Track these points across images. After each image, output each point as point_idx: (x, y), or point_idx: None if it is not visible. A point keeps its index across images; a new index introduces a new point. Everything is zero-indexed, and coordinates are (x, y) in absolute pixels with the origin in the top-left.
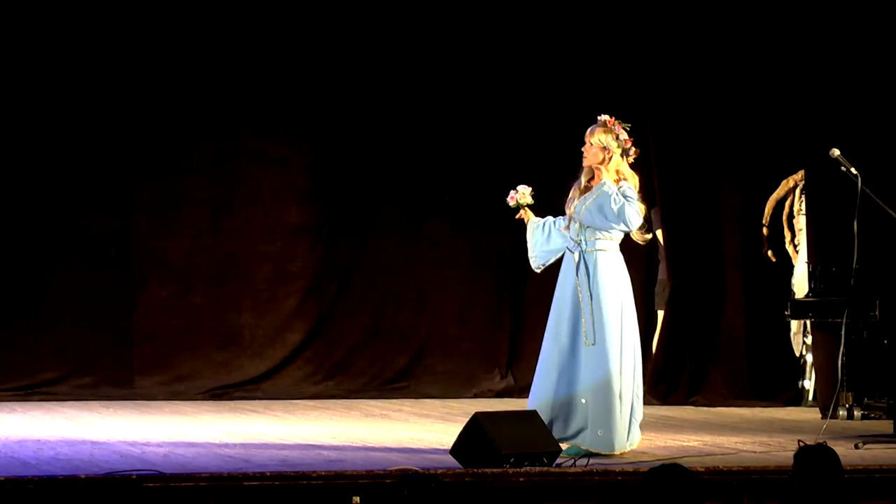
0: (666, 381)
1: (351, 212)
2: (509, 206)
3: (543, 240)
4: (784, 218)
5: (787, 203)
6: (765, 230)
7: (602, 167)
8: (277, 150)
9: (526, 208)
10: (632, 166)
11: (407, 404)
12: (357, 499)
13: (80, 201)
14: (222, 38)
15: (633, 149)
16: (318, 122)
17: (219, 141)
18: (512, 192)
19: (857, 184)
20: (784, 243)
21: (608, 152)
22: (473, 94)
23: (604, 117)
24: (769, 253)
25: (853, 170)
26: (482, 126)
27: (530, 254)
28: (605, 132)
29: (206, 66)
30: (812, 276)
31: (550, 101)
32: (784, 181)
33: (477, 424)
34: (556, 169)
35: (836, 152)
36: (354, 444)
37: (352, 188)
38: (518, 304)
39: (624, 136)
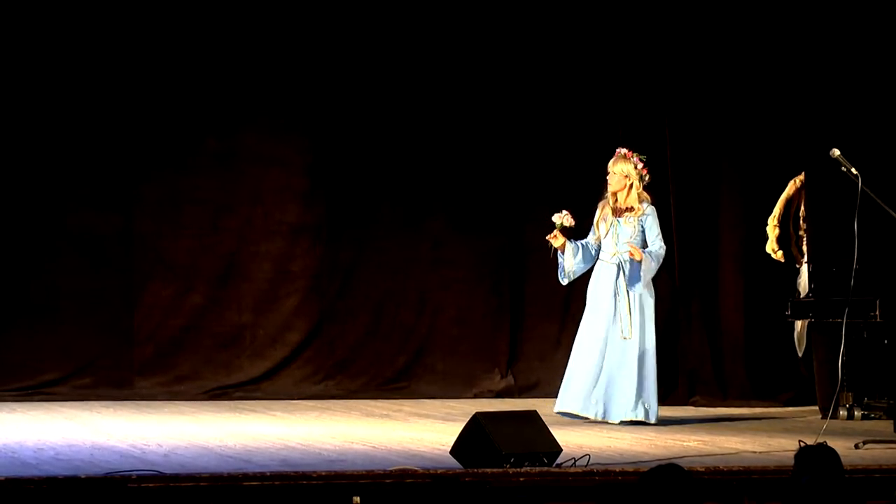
0: (665, 382)
1: (351, 211)
2: (551, 220)
3: (579, 259)
4: (790, 219)
5: (794, 204)
6: (776, 230)
7: (625, 192)
8: (278, 149)
9: (559, 231)
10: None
11: (407, 404)
12: (357, 499)
13: (82, 201)
14: (224, 37)
15: (647, 176)
16: (319, 122)
17: (220, 140)
18: (564, 212)
19: (858, 184)
20: (790, 244)
21: (629, 179)
22: (475, 94)
23: (623, 150)
24: (779, 253)
25: (853, 170)
26: (483, 126)
27: (566, 270)
28: (625, 162)
29: (208, 65)
30: (812, 277)
31: (549, 101)
32: (791, 181)
33: (477, 424)
34: (557, 170)
35: (837, 152)
36: (354, 444)
37: (352, 188)
38: (518, 304)
39: (640, 165)
